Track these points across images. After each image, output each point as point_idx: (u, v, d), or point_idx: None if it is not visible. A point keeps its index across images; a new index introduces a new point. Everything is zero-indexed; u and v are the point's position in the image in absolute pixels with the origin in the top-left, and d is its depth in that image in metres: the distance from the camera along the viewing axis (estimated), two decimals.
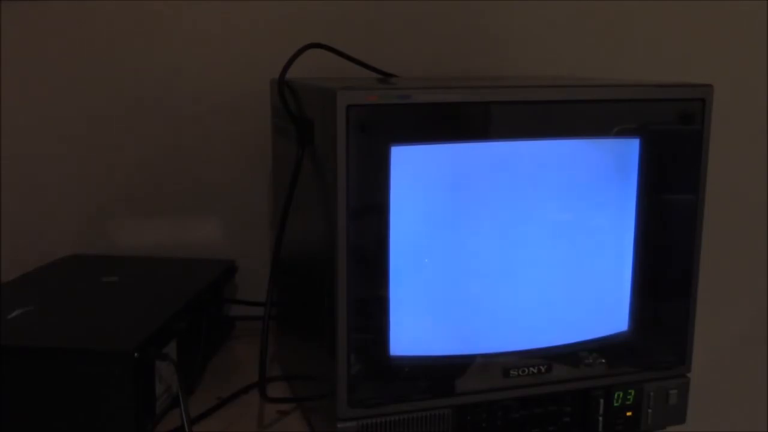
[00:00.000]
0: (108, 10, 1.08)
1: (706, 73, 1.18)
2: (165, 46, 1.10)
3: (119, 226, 1.13)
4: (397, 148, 0.69)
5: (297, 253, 0.83)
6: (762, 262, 1.25)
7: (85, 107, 1.11)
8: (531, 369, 0.76)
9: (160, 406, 0.81)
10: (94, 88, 1.10)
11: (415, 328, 0.72)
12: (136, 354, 0.74)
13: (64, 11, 1.08)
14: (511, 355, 0.76)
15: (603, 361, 0.79)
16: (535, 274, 0.75)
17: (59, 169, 1.12)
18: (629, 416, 0.81)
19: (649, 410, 0.82)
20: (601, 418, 0.80)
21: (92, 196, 1.13)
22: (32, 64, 1.09)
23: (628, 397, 0.81)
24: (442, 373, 0.74)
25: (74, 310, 0.86)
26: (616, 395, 0.80)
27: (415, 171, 0.70)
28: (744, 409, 1.29)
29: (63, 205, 1.13)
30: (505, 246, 0.74)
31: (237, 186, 1.13)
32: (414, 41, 1.12)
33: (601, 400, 0.80)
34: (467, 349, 0.74)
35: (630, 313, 0.79)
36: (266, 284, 0.80)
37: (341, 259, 0.69)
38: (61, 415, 0.75)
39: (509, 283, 0.75)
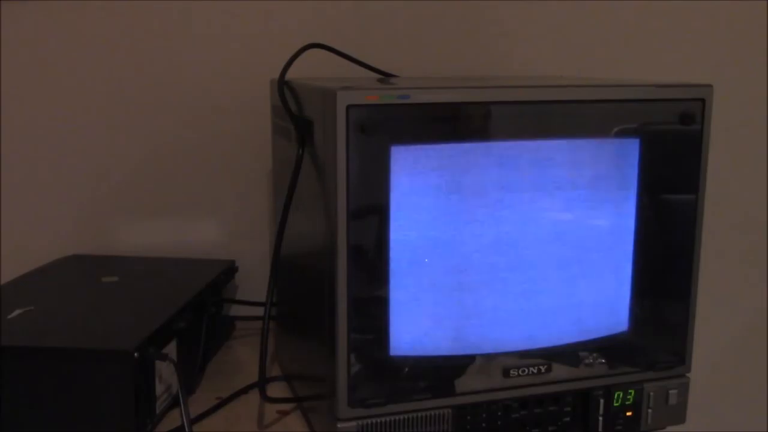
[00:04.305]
0: (108, 11, 1.08)
1: (706, 73, 1.18)
2: (165, 47, 1.10)
3: (119, 226, 1.13)
4: (397, 148, 0.69)
5: (297, 253, 0.83)
6: (762, 262, 1.25)
7: (85, 107, 1.11)
8: (531, 369, 0.76)
9: (160, 406, 0.81)
10: (94, 88, 1.10)
11: (415, 328, 0.72)
12: (135, 354, 0.74)
13: (64, 11, 1.08)
14: (511, 355, 0.76)
15: (603, 361, 0.79)
16: (535, 274, 0.75)
17: (59, 170, 1.12)
18: (629, 416, 0.81)
19: (649, 410, 0.82)
20: (601, 418, 0.80)
21: (92, 196, 1.13)
22: (32, 64, 1.09)
23: (628, 397, 0.81)
24: (442, 373, 0.74)
25: (74, 310, 0.86)
26: (616, 395, 0.80)
27: (415, 171, 0.70)
28: (744, 409, 1.29)
29: (63, 205, 1.13)
30: (504, 246, 0.74)
31: (237, 186, 1.14)
32: (414, 41, 1.12)
33: (601, 400, 0.80)
34: (467, 349, 0.74)
35: (630, 313, 0.79)
36: (266, 284, 0.80)
37: (341, 259, 0.69)
38: (61, 415, 0.75)
39: (509, 283, 0.75)
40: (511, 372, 0.76)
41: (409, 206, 0.70)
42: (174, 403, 0.85)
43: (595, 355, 0.78)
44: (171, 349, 0.84)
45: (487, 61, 1.14)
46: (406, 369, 0.73)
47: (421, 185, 0.70)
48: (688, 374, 0.83)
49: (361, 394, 0.71)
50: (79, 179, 1.12)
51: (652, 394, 0.81)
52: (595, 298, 0.78)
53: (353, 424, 0.72)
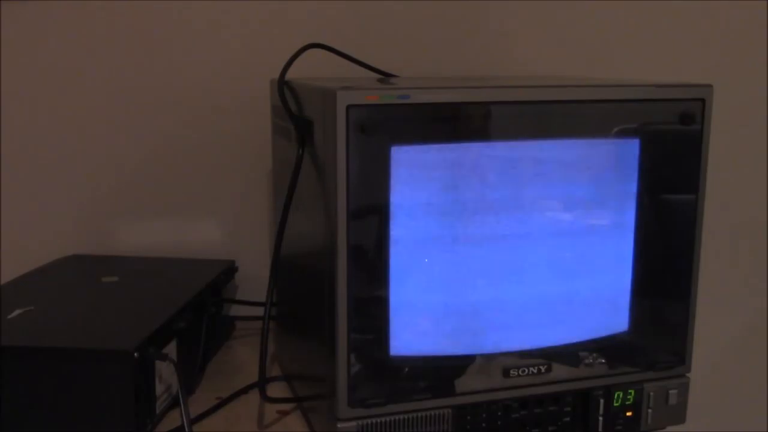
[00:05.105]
0: (108, 11, 1.08)
1: (706, 73, 1.18)
2: (165, 46, 1.10)
3: (119, 226, 1.13)
4: (397, 148, 0.69)
5: (297, 253, 0.83)
6: (762, 262, 1.25)
7: (85, 107, 1.11)
8: (531, 369, 0.76)
9: (160, 406, 0.81)
10: (94, 88, 1.10)
11: (415, 328, 0.72)
12: (135, 354, 0.74)
13: (64, 11, 1.08)
14: (511, 355, 0.76)
15: (603, 361, 0.79)
16: (535, 274, 0.75)
17: (59, 170, 1.12)
18: (629, 416, 0.81)
19: (649, 410, 0.82)
20: (601, 418, 0.80)
21: (92, 196, 1.13)
22: (32, 64, 1.09)
23: (628, 397, 0.81)
24: (442, 373, 0.74)
25: (74, 310, 0.86)
26: (616, 395, 0.80)
27: (415, 171, 0.70)
28: (744, 409, 1.29)
29: (63, 205, 1.13)
30: (504, 246, 0.74)
31: (237, 186, 1.14)
32: (414, 41, 1.12)
33: (601, 400, 0.80)
34: (467, 349, 0.74)
35: (630, 313, 0.79)
36: (266, 284, 0.80)
37: (341, 259, 0.69)
38: (61, 415, 0.75)
39: (509, 283, 0.75)
40: (511, 372, 0.76)
41: (409, 206, 0.70)
42: (174, 403, 0.85)
43: (595, 355, 0.78)
44: (171, 349, 0.84)
45: (487, 61, 1.14)
46: (406, 369, 0.73)
47: (421, 185, 0.70)
48: (688, 374, 0.83)
49: (361, 394, 0.71)
50: (79, 179, 1.12)
51: (652, 394, 0.81)
52: (595, 298, 0.78)
53: (353, 424, 0.72)
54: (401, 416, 0.73)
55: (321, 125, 0.71)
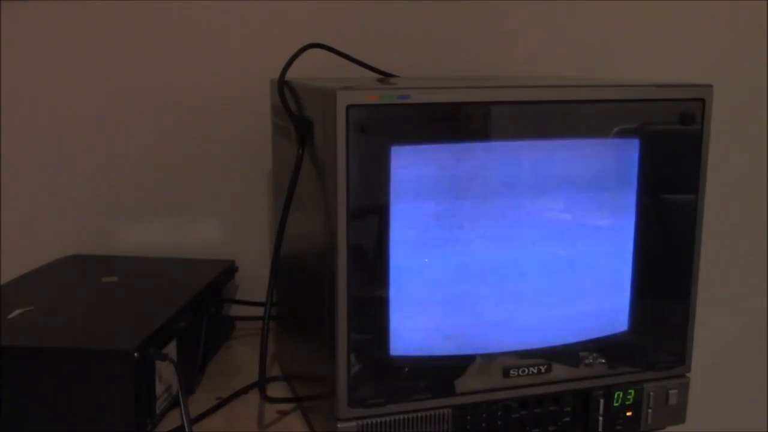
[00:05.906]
0: (108, 11, 1.08)
1: (706, 73, 1.18)
2: (165, 47, 1.10)
3: (119, 226, 1.13)
4: (397, 148, 0.69)
5: (297, 253, 0.83)
6: (762, 262, 1.25)
7: (85, 107, 1.11)
8: (531, 369, 0.76)
9: (160, 406, 0.81)
10: (94, 89, 1.10)
11: (415, 328, 0.72)
12: (135, 354, 0.74)
13: (64, 11, 1.08)
14: (511, 355, 0.76)
15: (603, 361, 0.79)
16: (535, 274, 0.75)
17: (59, 170, 1.12)
18: (629, 416, 0.81)
19: (649, 410, 0.82)
20: (601, 418, 0.80)
21: (92, 196, 1.13)
22: (32, 64, 1.09)
23: (628, 397, 0.81)
24: (442, 373, 0.74)
25: (74, 310, 0.86)
26: (616, 395, 0.80)
27: (415, 171, 0.70)
28: (744, 409, 1.29)
29: (63, 205, 1.13)
30: (504, 246, 0.74)
31: (237, 186, 1.14)
32: (414, 41, 1.12)
33: (601, 400, 0.80)
34: (467, 349, 0.74)
35: (630, 313, 0.79)
36: (266, 284, 0.80)
37: (341, 259, 0.69)
38: (61, 415, 0.75)
39: (509, 283, 0.75)
40: (511, 372, 0.76)
41: (409, 206, 0.70)
42: (174, 403, 0.85)
43: (595, 355, 0.78)
44: (171, 349, 0.84)
45: (487, 61, 1.14)
46: (406, 369, 0.73)
47: (421, 185, 0.70)
48: (688, 374, 0.83)
49: (361, 394, 0.71)
50: (79, 179, 1.12)
51: (652, 394, 0.81)
52: (595, 298, 0.78)
53: (353, 424, 0.72)
54: (401, 416, 0.73)
55: (321, 125, 0.71)
